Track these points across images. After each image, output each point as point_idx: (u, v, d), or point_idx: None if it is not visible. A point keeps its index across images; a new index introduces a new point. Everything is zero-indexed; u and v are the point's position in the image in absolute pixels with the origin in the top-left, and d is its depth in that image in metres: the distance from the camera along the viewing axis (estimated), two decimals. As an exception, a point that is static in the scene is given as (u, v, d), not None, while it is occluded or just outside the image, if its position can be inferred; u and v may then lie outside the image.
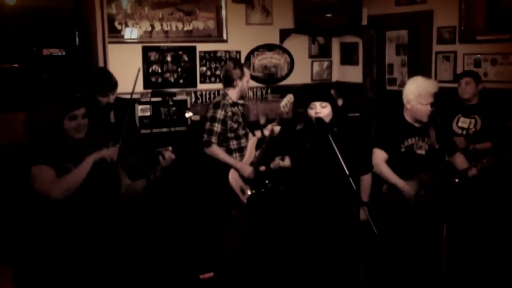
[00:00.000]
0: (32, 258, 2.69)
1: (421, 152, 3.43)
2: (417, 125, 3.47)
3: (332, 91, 4.21)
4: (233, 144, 4.09)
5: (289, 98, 4.15)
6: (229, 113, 4.02)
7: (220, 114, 3.99)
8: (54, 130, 2.66)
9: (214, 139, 3.96)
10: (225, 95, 4.10)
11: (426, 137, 3.46)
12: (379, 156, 3.43)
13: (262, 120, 4.91)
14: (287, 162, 3.38)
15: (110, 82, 3.69)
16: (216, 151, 3.98)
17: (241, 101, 4.29)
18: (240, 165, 4.01)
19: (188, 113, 5.13)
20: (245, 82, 4.11)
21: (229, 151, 4.05)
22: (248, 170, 3.99)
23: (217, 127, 3.97)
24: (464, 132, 4.26)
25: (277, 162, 3.40)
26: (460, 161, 3.57)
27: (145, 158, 2.85)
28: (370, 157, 3.36)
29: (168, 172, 2.85)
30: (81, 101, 2.77)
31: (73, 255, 2.66)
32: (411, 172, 3.39)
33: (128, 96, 3.98)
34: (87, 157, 2.68)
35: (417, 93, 3.38)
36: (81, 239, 2.68)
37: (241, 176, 4.02)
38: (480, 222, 3.80)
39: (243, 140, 4.13)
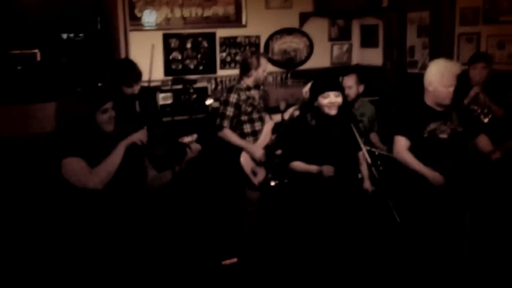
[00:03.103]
0: (60, 247, 2.76)
1: (444, 136, 3.37)
2: (438, 108, 3.41)
3: (354, 75, 4.23)
4: (247, 127, 4.13)
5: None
6: (243, 97, 4.05)
7: (233, 98, 4.03)
8: (88, 124, 2.72)
9: (226, 123, 4.02)
10: (240, 80, 4.14)
11: (448, 121, 3.40)
12: (402, 143, 3.40)
13: (282, 105, 4.92)
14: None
15: (135, 73, 3.74)
16: (228, 134, 4.04)
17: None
18: (251, 147, 4.07)
19: (209, 100, 5.16)
20: (261, 72, 4.12)
21: (243, 135, 4.10)
22: (259, 153, 4.06)
23: (230, 111, 4.02)
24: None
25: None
26: (484, 143, 3.47)
27: (171, 150, 2.90)
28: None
29: (193, 163, 2.89)
30: (109, 93, 2.83)
31: (101, 243, 2.73)
32: (434, 157, 3.34)
33: (150, 84, 4.01)
34: (119, 143, 2.74)
35: (440, 74, 3.33)
36: (110, 228, 2.75)
37: (253, 159, 4.08)
38: (504, 210, 3.77)
39: (257, 124, 4.16)
